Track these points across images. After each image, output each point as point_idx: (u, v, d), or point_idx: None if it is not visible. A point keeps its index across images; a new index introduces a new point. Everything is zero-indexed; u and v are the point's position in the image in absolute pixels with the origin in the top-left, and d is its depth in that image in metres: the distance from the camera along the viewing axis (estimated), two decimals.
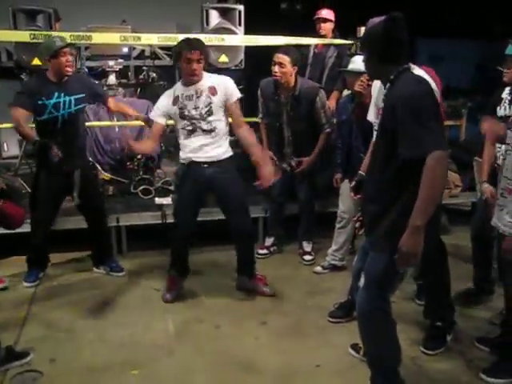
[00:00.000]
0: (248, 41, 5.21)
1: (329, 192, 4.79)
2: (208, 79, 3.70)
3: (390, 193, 2.43)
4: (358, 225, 2.86)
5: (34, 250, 4.25)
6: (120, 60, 5.96)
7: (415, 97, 2.30)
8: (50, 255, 4.46)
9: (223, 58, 5.39)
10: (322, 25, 5.44)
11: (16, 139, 6.02)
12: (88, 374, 3.07)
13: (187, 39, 3.71)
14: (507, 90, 3.57)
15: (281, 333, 3.54)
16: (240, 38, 5.31)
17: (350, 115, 4.10)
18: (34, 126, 4.11)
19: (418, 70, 2.48)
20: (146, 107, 5.65)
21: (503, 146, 3.51)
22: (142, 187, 5.22)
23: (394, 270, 2.49)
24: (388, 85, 2.46)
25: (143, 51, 6.86)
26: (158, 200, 5.02)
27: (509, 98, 3.54)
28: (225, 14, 5.50)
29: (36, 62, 5.00)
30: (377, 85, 3.02)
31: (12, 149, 6.14)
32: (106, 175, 5.18)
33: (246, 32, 5.47)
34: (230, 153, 3.83)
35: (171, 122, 3.91)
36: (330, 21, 5.47)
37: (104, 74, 5.91)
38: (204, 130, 3.68)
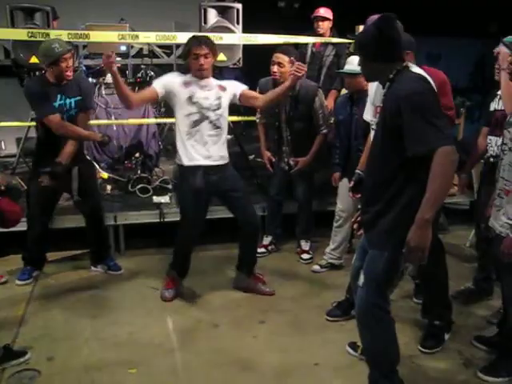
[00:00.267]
0: (246, 39, 5.21)
1: (327, 191, 4.79)
2: (216, 81, 3.79)
3: (390, 190, 2.44)
4: (355, 226, 2.86)
5: (30, 248, 4.24)
6: (118, 58, 5.94)
7: (418, 94, 2.31)
8: (48, 254, 4.45)
9: (221, 57, 5.36)
10: (320, 23, 5.45)
11: (14, 137, 6.02)
12: (85, 373, 3.06)
13: (196, 36, 3.80)
14: None
15: (279, 331, 3.55)
16: (238, 37, 5.31)
17: (348, 114, 4.11)
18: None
19: (416, 68, 2.48)
20: (143, 106, 5.65)
21: (494, 139, 3.54)
22: (139, 186, 5.21)
23: (393, 267, 2.50)
24: (387, 84, 2.46)
25: (141, 49, 6.86)
26: (155, 198, 5.01)
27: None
28: (223, 12, 5.48)
29: (34, 60, 4.98)
30: (374, 84, 3.02)
31: (9, 147, 6.14)
32: (104, 174, 5.18)
33: (244, 31, 5.46)
34: (227, 159, 3.85)
35: (172, 120, 3.88)
36: (328, 19, 5.48)
37: (102, 73, 5.90)
38: (211, 122, 3.67)
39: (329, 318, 3.68)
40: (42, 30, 4.73)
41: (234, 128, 5.67)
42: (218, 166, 3.75)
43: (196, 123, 3.67)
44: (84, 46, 6.27)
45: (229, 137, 3.95)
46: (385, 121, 2.44)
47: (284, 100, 4.41)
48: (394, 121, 2.34)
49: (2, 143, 6.18)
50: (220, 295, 4.03)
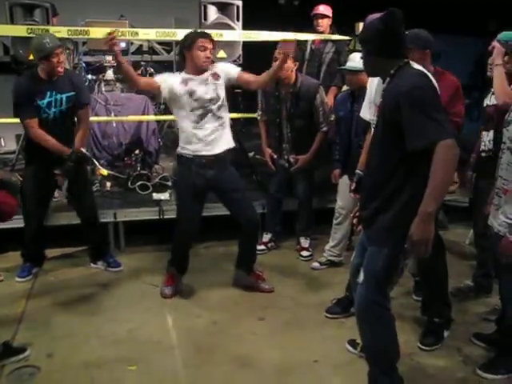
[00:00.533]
0: (246, 36, 5.20)
1: (327, 188, 4.79)
2: (209, 70, 3.75)
3: (390, 187, 2.43)
4: (355, 221, 2.86)
5: (28, 244, 4.25)
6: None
7: (418, 89, 2.31)
8: (48, 250, 4.45)
9: (221, 54, 5.37)
10: (320, 21, 5.44)
11: (13, 134, 6.00)
12: (85, 370, 3.06)
13: (199, 30, 3.85)
14: None
15: (278, 328, 3.55)
16: (238, 34, 5.30)
17: (349, 111, 4.11)
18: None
19: (416, 65, 2.48)
20: (143, 102, 5.65)
21: (485, 134, 3.53)
22: (139, 183, 5.22)
23: (393, 264, 2.50)
24: (387, 79, 2.46)
25: (141, 46, 6.85)
26: (155, 195, 5.01)
27: None
28: (223, 9, 5.47)
29: (33, 56, 4.97)
30: (374, 81, 3.02)
31: (9, 144, 6.13)
32: (104, 171, 5.16)
33: (244, 27, 5.45)
34: (231, 144, 3.85)
35: (171, 117, 3.89)
36: (328, 17, 5.47)
37: (101, 69, 5.89)
38: (214, 115, 3.68)
39: (328, 315, 3.68)
40: (42, 27, 4.72)
41: (233, 125, 5.66)
42: (218, 157, 3.73)
43: (201, 118, 3.68)
44: (84, 43, 6.25)
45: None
46: (384, 116, 2.44)
47: (285, 97, 4.41)
48: (394, 116, 2.34)
49: (2, 140, 6.18)
50: (219, 292, 4.03)
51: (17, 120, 4.64)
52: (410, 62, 2.47)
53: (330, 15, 5.48)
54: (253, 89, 4.01)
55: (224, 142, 3.77)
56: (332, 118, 4.47)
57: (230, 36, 5.22)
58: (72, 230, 4.56)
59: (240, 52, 5.53)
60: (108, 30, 4.72)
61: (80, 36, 4.82)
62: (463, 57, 8.26)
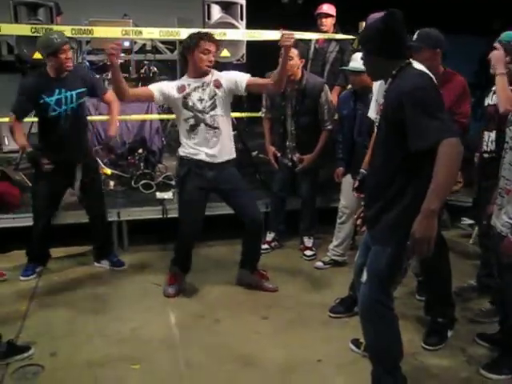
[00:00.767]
0: (250, 35, 5.20)
1: (330, 187, 4.79)
2: (214, 75, 3.70)
3: (393, 187, 2.43)
4: (359, 222, 2.86)
5: (35, 243, 4.25)
6: (121, 54, 5.93)
7: (420, 89, 2.31)
8: (52, 249, 4.46)
9: (225, 53, 5.37)
10: (324, 20, 5.43)
11: None
12: (88, 368, 3.07)
13: (202, 31, 3.77)
14: None
15: (282, 327, 3.55)
16: (242, 33, 5.30)
17: (352, 110, 4.10)
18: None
19: (417, 65, 2.48)
20: (146, 102, 5.64)
21: (487, 134, 3.51)
22: (142, 182, 5.22)
23: (396, 263, 2.49)
24: (389, 80, 2.46)
25: (144, 45, 6.85)
26: (158, 195, 5.02)
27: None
28: (226, 8, 5.47)
29: (37, 55, 4.96)
30: (378, 81, 3.02)
31: (13, 143, 6.12)
32: (107, 170, 5.18)
33: (248, 27, 5.45)
34: (232, 155, 3.82)
35: (173, 116, 3.88)
36: (332, 16, 5.46)
37: (105, 68, 5.89)
38: (207, 125, 3.65)
39: (332, 314, 3.67)
40: (46, 26, 4.74)
41: (236, 124, 5.66)
42: (218, 163, 3.73)
43: (193, 127, 3.67)
44: (87, 42, 6.26)
45: (232, 133, 3.93)
46: (387, 116, 2.44)
47: (290, 94, 4.39)
48: (396, 115, 2.34)
49: (6, 139, 6.18)
50: (223, 291, 4.03)
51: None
52: (412, 62, 2.46)
53: (334, 14, 5.47)
54: (268, 92, 3.97)
55: (222, 153, 3.73)
56: (336, 117, 4.47)
57: (234, 35, 5.22)
58: (76, 229, 4.57)
59: (244, 51, 5.53)
60: (112, 28, 4.73)
61: (84, 35, 4.84)
62: (467, 56, 8.25)
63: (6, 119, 5.14)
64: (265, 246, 4.74)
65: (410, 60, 2.47)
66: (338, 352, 3.25)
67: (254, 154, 5.99)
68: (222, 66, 5.17)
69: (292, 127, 4.53)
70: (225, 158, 3.76)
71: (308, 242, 4.77)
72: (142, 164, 5.42)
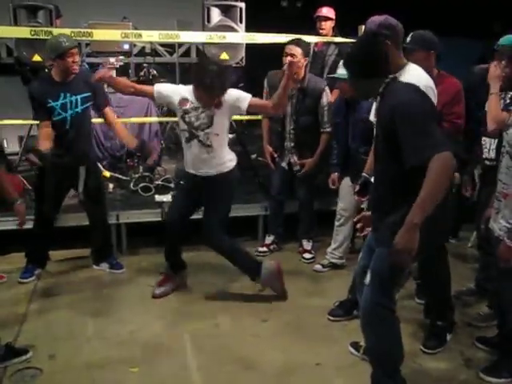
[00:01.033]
0: (249, 38, 5.21)
1: (328, 190, 4.77)
2: None
3: (395, 192, 2.47)
4: (359, 225, 2.86)
5: (35, 245, 4.25)
6: (121, 57, 5.95)
7: (407, 104, 2.35)
8: (50, 252, 4.45)
9: (224, 56, 5.38)
10: (323, 23, 5.45)
11: (16, 136, 6.01)
12: (87, 371, 3.06)
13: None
14: None
15: (281, 331, 3.55)
16: (241, 36, 5.31)
17: (343, 117, 4.10)
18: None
19: (403, 77, 2.50)
20: (146, 104, 5.64)
21: (488, 141, 3.51)
22: (141, 184, 5.22)
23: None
24: (378, 98, 2.49)
25: (144, 48, 6.85)
26: (157, 197, 5.01)
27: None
28: (226, 11, 5.49)
29: (36, 58, 4.99)
30: None
31: (12, 145, 6.13)
32: (106, 172, 5.17)
33: (247, 29, 5.46)
34: (227, 167, 3.81)
35: (174, 119, 3.90)
36: (331, 19, 5.47)
37: None
38: (200, 141, 3.68)
39: (331, 317, 3.67)
40: (45, 28, 4.74)
41: (236, 127, 5.66)
42: (209, 176, 3.77)
43: (187, 140, 3.73)
44: (87, 44, 6.26)
45: (230, 136, 3.93)
46: (383, 131, 2.49)
47: (291, 92, 4.37)
48: (390, 127, 2.37)
49: (5, 141, 6.17)
50: (221, 294, 4.03)
51: (19, 121, 4.69)
52: (397, 75, 2.50)
53: (333, 17, 5.48)
54: (269, 114, 4.02)
55: (211, 169, 3.75)
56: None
57: (233, 38, 5.23)
58: (75, 232, 4.56)
59: (243, 54, 5.53)
60: (111, 31, 4.73)
61: (83, 38, 4.84)
62: (467, 59, 8.26)
63: (6, 121, 5.17)
64: (264, 249, 4.75)
65: (395, 75, 2.51)
66: (337, 355, 3.25)
67: (253, 156, 5.99)
68: None
69: (291, 126, 4.52)
70: (212, 173, 3.76)
71: (307, 244, 4.77)
72: (140, 167, 5.42)
